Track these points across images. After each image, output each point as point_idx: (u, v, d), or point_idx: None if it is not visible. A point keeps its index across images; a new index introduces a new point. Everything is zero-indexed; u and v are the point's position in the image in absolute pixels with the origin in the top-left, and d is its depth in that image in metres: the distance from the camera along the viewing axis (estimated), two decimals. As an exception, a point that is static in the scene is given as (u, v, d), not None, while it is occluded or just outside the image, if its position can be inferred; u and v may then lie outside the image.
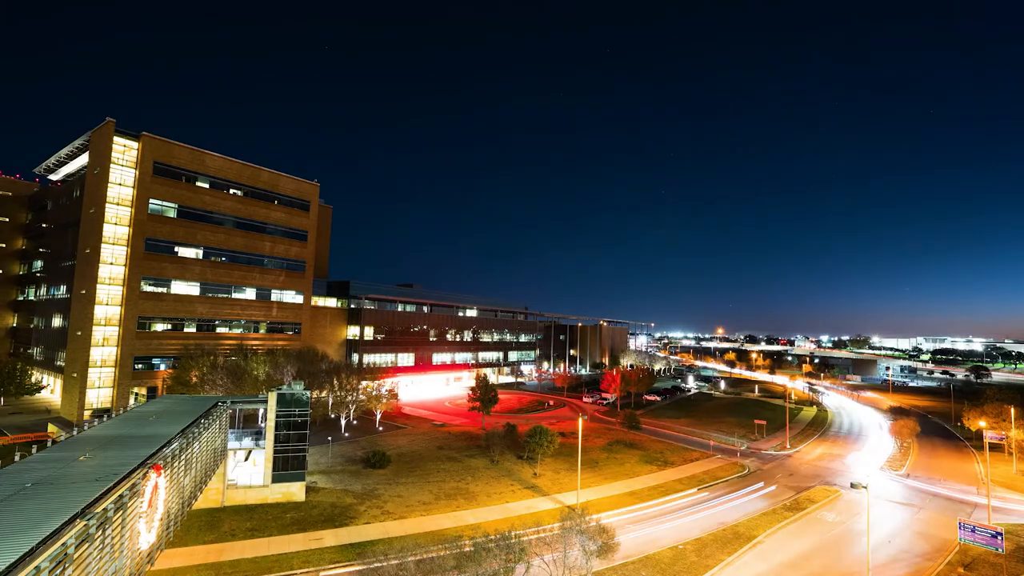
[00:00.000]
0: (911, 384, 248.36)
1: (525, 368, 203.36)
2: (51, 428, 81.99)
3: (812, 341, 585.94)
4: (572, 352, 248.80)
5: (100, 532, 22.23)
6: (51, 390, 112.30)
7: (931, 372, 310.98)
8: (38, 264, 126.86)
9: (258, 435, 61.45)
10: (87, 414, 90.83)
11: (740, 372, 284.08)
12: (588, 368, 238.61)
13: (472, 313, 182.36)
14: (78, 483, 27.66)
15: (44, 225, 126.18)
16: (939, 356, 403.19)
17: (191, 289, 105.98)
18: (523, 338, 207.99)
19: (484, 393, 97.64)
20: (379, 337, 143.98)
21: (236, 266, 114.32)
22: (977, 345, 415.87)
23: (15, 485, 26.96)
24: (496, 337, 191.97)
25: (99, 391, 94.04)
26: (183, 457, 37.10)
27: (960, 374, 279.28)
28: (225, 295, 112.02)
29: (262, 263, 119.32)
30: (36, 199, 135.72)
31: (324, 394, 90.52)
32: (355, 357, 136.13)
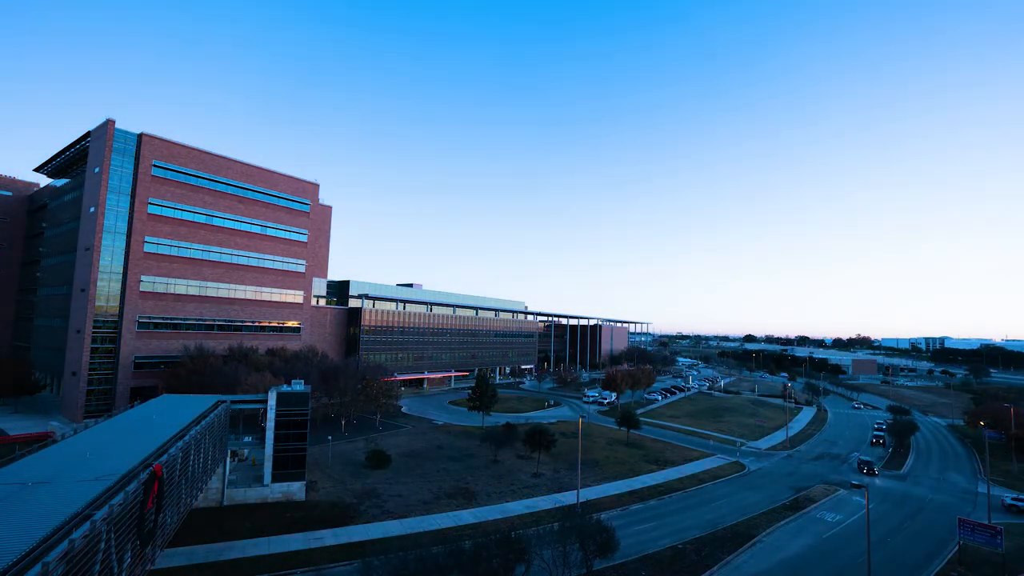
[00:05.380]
0: (911, 384, 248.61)
1: (525, 367, 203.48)
2: (52, 427, 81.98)
3: (812, 341, 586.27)
4: (572, 352, 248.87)
5: (102, 531, 22.24)
6: (51, 389, 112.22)
7: (931, 372, 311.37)
8: (38, 263, 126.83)
9: (258, 435, 61.53)
10: (87, 413, 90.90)
11: (740, 372, 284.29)
12: (588, 368, 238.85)
13: (472, 313, 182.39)
14: (79, 482, 27.72)
15: (44, 224, 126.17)
16: (939, 356, 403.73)
17: (191, 288, 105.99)
18: (523, 338, 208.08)
19: (484, 392, 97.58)
20: (379, 336, 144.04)
21: (236, 265, 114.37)
22: (976, 345, 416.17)
23: (17, 484, 27.01)
24: (496, 336, 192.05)
25: (99, 390, 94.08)
26: (183, 457, 37.10)
27: (959, 374, 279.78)
28: (225, 295, 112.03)
29: (262, 263, 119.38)
30: (36, 198, 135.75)
31: (324, 394, 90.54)
32: (355, 356, 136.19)
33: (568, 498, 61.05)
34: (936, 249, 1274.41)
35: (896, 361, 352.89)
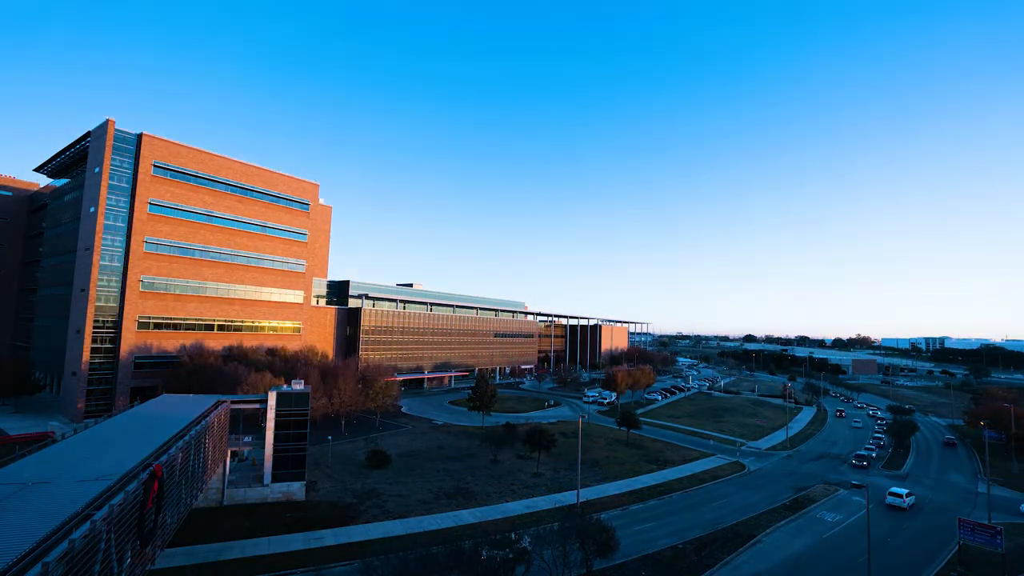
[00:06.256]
0: (911, 384, 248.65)
1: (525, 367, 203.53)
2: (52, 427, 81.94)
3: (812, 341, 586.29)
4: (572, 352, 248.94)
5: (102, 531, 22.25)
6: (51, 389, 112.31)
7: (931, 372, 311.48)
8: (38, 263, 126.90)
9: (258, 435, 61.52)
10: (87, 413, 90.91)
11: (740, 372, 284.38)
12: (588, 368, 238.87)
13: (472, 312, 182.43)
14: (79, 482, 27.72)
15: (44, 224, 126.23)
16: (939, 356, 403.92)
17: (191, 288, 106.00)
18: (523, 338, 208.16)
19: (484, 392, 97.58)
20: (379, 336, 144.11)
21: (236, 265, 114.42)
22: (976, 345, 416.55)
23: (17, 484, 27.00)
24: (496, 336, 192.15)
25: (99, 390, 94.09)
26: (183, 457, 37.11)
27: (959, 374, 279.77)
28: (225, 295, 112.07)
29: (262, 263, 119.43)
30: (36, 198, 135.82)
31: (324, 394, 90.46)
32: (355, 356, 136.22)
33: (568, 498, 61.04)
34: (936, 249, 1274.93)
35: (896, 361, 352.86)
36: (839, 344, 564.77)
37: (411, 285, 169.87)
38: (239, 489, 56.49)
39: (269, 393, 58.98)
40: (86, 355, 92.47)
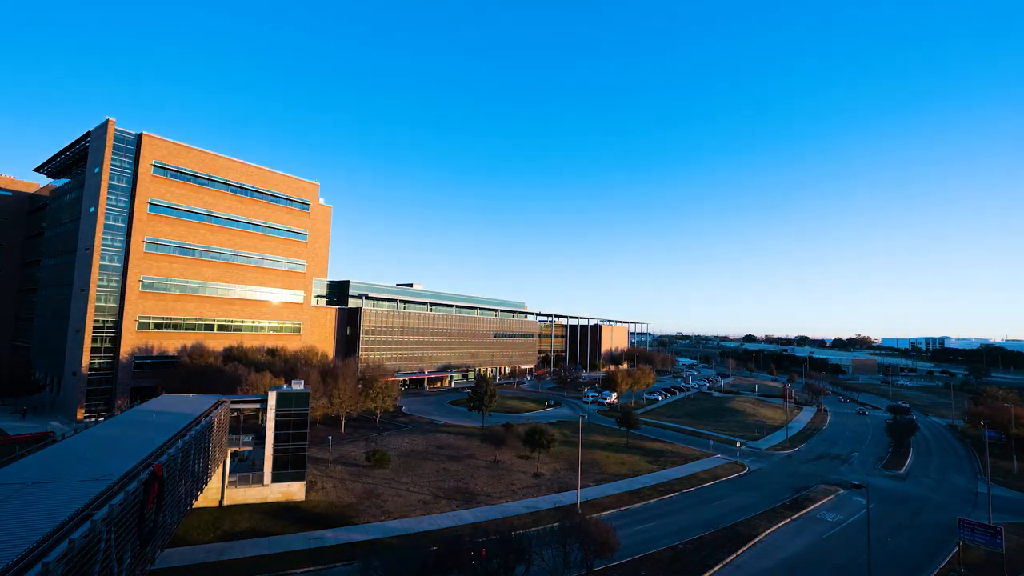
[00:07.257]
0: (911, 384, 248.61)
1: (525, 367, 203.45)
2: (52, 427, 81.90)
3: (812, 341, 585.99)
4: (572, 352, 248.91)
5: (102, 531, 22.22)
6: (51, 389, 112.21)
7: (930, 372, 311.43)
8: (38, 263, 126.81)
9: (258, 435, 61.51)
10: (87, 413, 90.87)
11: (740, 372, 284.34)
12: (588, 368, 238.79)
13: (472, 312, 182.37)
14: (79, 482, 27.70)
15: (44, 224, 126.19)
16: (939, 356, 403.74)
17: (191, 288, 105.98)
18: (523, 338, 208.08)
19: (484, 392, 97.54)
20: (379, 336, 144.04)
21: (236, 265, 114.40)
22: (976, 345, 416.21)
23: (17, 484, 26.99)
24: (496, 336, 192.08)
25: (99, 390, 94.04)
26: (183, 457, 37.05)
27: (959, 374, 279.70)
28: (225, 295, 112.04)
29: (262, 263, 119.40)
30: (36, 198, 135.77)
31: (324, 394, 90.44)
32: (355, 356, 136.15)
33: (568, 498, 61.06)
34: (936, 249, 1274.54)
35: (896, 361, 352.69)
36: (839, 344, 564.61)
37: (411, 285, 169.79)
38: (239, 489, 56.46)
39: (269, 393, 58.97)
40: (86, 355, 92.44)
